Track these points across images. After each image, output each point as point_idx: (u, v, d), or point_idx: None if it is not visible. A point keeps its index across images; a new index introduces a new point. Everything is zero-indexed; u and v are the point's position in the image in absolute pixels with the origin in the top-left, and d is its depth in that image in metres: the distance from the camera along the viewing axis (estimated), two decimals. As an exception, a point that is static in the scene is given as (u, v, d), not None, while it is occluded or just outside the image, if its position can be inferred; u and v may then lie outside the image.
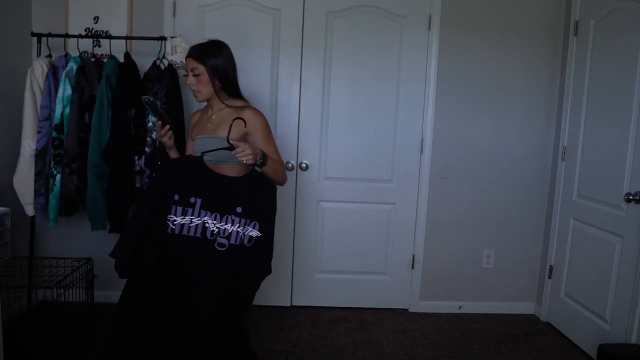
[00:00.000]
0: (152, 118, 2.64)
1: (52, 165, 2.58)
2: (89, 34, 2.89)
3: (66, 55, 2.68)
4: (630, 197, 2.39)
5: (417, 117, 3.12)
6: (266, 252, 1.96)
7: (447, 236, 3.22)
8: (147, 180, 2.67)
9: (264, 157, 1.92)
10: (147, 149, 2.66)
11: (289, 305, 3.23)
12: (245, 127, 1.95)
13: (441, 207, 3.19)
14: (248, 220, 1.89)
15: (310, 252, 3.20)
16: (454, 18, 3.05)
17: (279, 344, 2.71)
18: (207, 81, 2.01)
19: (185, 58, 2.06)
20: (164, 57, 2.71)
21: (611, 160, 2.60)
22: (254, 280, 1.96)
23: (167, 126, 2.02)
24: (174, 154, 2.13)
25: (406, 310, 3.27)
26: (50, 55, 2.69)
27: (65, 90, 2.56)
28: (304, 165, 3.10)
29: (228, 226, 1.87)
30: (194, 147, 2.08)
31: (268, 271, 1.98)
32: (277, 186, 2.03)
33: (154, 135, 2.64)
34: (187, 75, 2.05)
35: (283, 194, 3.01)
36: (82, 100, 2.59)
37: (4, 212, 2.10)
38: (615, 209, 2.56)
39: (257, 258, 1.92)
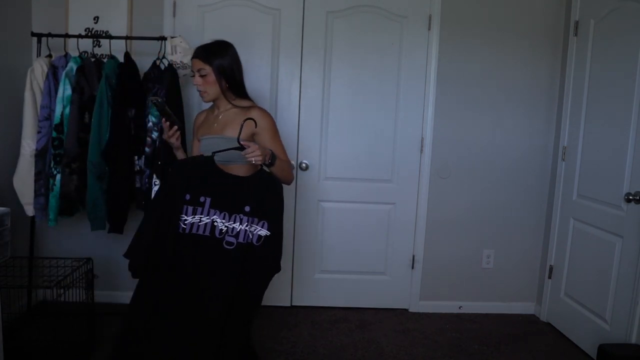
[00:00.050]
0: (152, 118, 2.64)
1: (52, 165, 2.58)
2: (89, 34, 2.89)
3: (66, 55, 2.68)
4: (630, 197, 2.39)
5: (417, 117, 3.13)
6: (276, 251, 1.97)
7: (447, 236, 3.22)
8: (146, 180, 2.67)
9: (273, 157, 1.93)
10: (147, 149, 2.66)
11: (289, 305, 3.23)
12: (255, 127, 1.96)
13: (441, 207, 3.19)
14: (257, 220, 1.90)
15: (310, 252, 3.20)
16: (454, 18, 3.05)
17: (279, 344, 2.71)
18: (214, 81, 2.02)
19: (191, 59, 2.06)
20: (164, 57, 2.71)
21: (611, 160, 2.59)
22: (263, 278, 1.97)
23: (175, 127, 2.02)
24: (181, 154, 2.14)
25: (406, 310, 3.27)
26: (50, 55, 2.69)
27: (65, 90, 2.56)
28: (304, 165, 3.10)
29: (236, 225, 1.88)
30: (200, 147, 2.09)
31: (277, 269, 1.99)
32: None
33: (154, 136, 2.64)
34: (193, 76, 2.05)
35: (284, 194, 3.00)
36: (82, 100, 2.59)
37: (4, 212, 2.10)
38: (615, 209, 2.56)
39: (266, 256, 1.93)
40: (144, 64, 2.76)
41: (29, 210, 2.65)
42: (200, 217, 1.87)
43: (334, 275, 3.24)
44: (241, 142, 1.83)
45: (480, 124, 3.15)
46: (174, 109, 2.65)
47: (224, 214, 1.88)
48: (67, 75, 2.57)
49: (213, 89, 2.03)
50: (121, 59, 2.70)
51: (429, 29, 3.06)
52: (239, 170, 1.97)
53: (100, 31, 2.93)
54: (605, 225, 2.63)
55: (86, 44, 2.90)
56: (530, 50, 3.10)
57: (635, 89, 2.43)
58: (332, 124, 3.11)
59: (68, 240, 3.05)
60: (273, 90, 3.06)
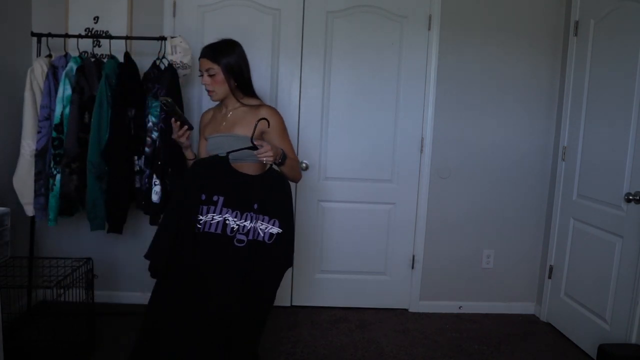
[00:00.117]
0: (152, 118, 2.64)
1: (52, 165, 2.58)
2: (89, 34, 2.89)
3: (66, 55, 2.68)
4: (630, 197, 2.39)
5: (417, 117, 3.13)
6: (288, 247, 1.99)
7: (447, 236, 3.22)
8: (146, 180, 2.67)
9: (283, 156, 1.94)
10: (147, 149, 2.65)
11: (289, 305, 3.23)
12: (269, 127, 1.97)
13: (441, 207, 3.19)
14: (267, 218, 1.92)
15: (310, 252, 3.20)
16: (454, 18, 3.05)
17: (279, 344, 2.71)
18: (223, 80, 2.02)
19: (199, 59, 2.05)
20: (163, 57, 2.71)
21: (611, 160, 2.59)
22: (276, 275, 1.99)
23: (185, 126, 2.02)
24: (190, 153, 2.15)
25: (406, 310, 3.27)
26: (50, 55, 2.69)
27: (65, 90, 2.56)
28: (304, 165, 3.10)
29: (247, 223, 1.90)
30: (207, 146, 2.09)
31: (290, 264, 2.01)
32: None
33: (154, 136, 2.64)
34: (201, 76, 2.05)
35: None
36: (82, 100, 2.59)
37: (4, 212, 2.10)
38: (615, 209, 2.56)
39: (278, 254, 1.95)
40: (144, 64, 2.76)
41: (29, 210, 2.65)
42: (213, 216, 1.88)
43: (334, 275, 3.24)
44: (254, 142, 1.84)
45: (480, 123, 3.15)
46: (174, 109, 2.66)
47: (236, 213, 1.90)
48: (67, 75, 2.57)
49: (222, 88, 2.03)
50: (121, 59, 2.70)
51: (429, 29, 3.06)
52: (249, 168, 1.98)
53: (100, 31, 2.93)
54: (605, 225, 2.63)
55: (86, 44, 2.90)
56: (530, 50, 3.10)
57: (635, 89, 2.43)
58: (332, 124, 3.11)
59: (68, 240, 3.05)
60: (273, 90, 3.06)
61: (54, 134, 2.57)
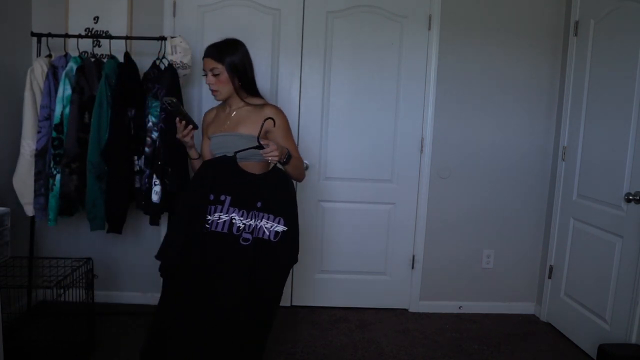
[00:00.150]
0: (152, 118, 2.64)
1: (51, 165, 2.58)
2: (89, 34, 2.89)
3: (66, 55, 2.67)
4: (630, 197, 2.39)
5: (417, 117, 3.12)
6: (293, 244, 2.00)
7: (447, 236, 3.22)
8: (146, 180, 2.67)
9: (288, 155, 1.95)
10: (146, 149, 2.65)
11: (289, 305, 3.23)
12: (274, 126, 1.97)
13: (441, 207, 3.19)
14: (272, 216, 1.93)
15: (310, 252, 3.20)
16: (454, 18, 3.05)
17: (279, 343, 2.71)
18: (227, 80, 2.02)
19: (203, 58, 2.05)
20: (163, 57, 2.71)
21: (611, 160, 2.59)
22: (281, 272, 2.01)
23: (190, 126, 2.02)
24: (194, 153, 2.14)
25: (406, 310, 3.27)
26: (50, 55, 2.69)
27: (65, 90, 2.56)
28: (305, 165, 3.09)
29: (252, 221, 1.91)
30: (210, 145, 2.09)
31: (295, 260, 2.03)
32: None
33: (153, 136, 2.64)
34: (205, 75, 2.05)
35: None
36: (81, 100, 2.59)
37: (4, 212, 2.10)
38: (615, 209, 2.56)
39: (284, 250, 1.96)
40: (144, 64, 2.76)
41: (29, 210, 2.65)
42: (220, 215, 1.89)
43: (334, 275, 3.24)
44: (260, 142, 1.84)
45: (481, 123, 3.14)
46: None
47: (242, 212, 1.91)
48: (67, 75, 2.57)
49: (226, 88, 2.03)
50: (121, 59, 2.70)
51: (429, 29, 3.06)
52: (253, 167, 1.99)
53: (100, 31, 2.93)
54: (605, 225, 2.63)
55: (86, 44, 2.90)
56: (530, 50, 3.10)
57: (635, 89, 2.43)
58: (332, 124, 3.11)
59: (68, 240, 3.05)
60: (273, 90, 3.06)
61: (54, 134, 2.57)
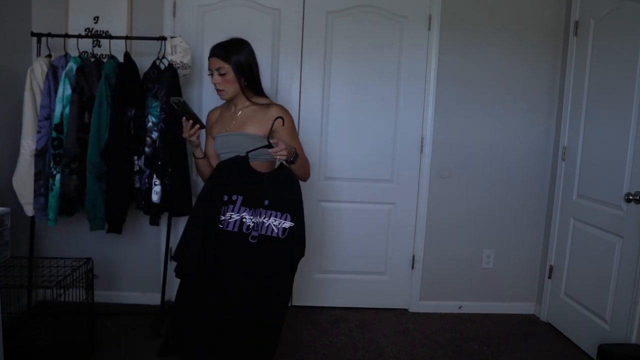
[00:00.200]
0: (152, 118, 2.64)
1: (51, 165, 2.58)
2: (89, 34, 2.89)
3: (66, 55, 2.67)
4: (630, 197, 2.39)
5: (417, 117, 3.12)
6: (300, 238, 2.01)
7: (447, 236, 3.22)
8: (146, 180, 2.67)
9: (295, 155, 1.95)
10: (146, 149, 2.65)
11: (289, 305, 3.23)
12: (283, 125, 1.97)
13: (441, 207, 3.19)
14: (279, 213, 1.93)
15: (310, 252, 3.17)
16: (454, 18, 3.05)
17: (279, 344, 2.71)
18: (233, 79, 2.01)
19: (209, 58, 2.04)
20: (163, 57, 2.71)
21: (611, 160, 2.59)
22: (289, 267, 2.01)
23: (197, 125, 2.01)
24: (199, 152, 2.14)
25: (406, 310, 3.27)
26: (50, 55, 2.69)
27: (65, 90, 2.56)
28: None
29: (260, 219, 1.92)
30: (215, 145, 2.09)
31: (302, 254, 2.03)
32: None
33: (153, 136, 2.64)
34: (210, 75, 2.04)
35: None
36: (81, 100, 2.59)
37: (4, 212, 2.10)
38: (615, 209, 2.56)
39: (292, 246, 1.97)
40: (144, 64, 2.76)
41: (29, 210, 2.65)
42: (231, 215, 1.90)
43: (334, 275, 3.24)
44: (270, 141, 1.85)
45: (480, 123, 3.14)
46: (174, 109, 2.66)
47: (252, 211, 1.91)
48: (67, 75, 2.57)
49: (232, 87, 2.03)
50: (121, 59, 2.70)
51: (429, 29, 3.06)
52: (260, 166, 1.99)
53: (100, 31, 2.93)
54: (605, 225, 2.63)
55: (86, 44, 2.90)
56: (530, 50, 3.10)
57: (635, 89, 2.43)
58: (332, 124, 3.11)
59: (68, 240, 3.05)
60: (273, 90, 3.05)
61: (53, 133, 2.57)
